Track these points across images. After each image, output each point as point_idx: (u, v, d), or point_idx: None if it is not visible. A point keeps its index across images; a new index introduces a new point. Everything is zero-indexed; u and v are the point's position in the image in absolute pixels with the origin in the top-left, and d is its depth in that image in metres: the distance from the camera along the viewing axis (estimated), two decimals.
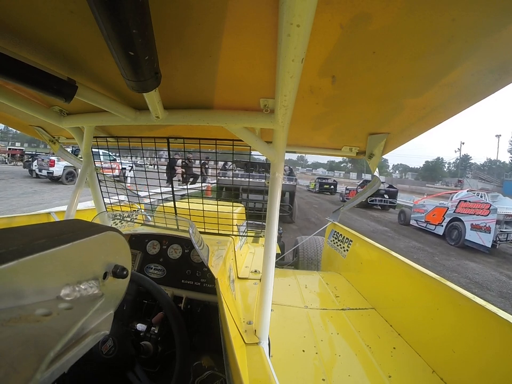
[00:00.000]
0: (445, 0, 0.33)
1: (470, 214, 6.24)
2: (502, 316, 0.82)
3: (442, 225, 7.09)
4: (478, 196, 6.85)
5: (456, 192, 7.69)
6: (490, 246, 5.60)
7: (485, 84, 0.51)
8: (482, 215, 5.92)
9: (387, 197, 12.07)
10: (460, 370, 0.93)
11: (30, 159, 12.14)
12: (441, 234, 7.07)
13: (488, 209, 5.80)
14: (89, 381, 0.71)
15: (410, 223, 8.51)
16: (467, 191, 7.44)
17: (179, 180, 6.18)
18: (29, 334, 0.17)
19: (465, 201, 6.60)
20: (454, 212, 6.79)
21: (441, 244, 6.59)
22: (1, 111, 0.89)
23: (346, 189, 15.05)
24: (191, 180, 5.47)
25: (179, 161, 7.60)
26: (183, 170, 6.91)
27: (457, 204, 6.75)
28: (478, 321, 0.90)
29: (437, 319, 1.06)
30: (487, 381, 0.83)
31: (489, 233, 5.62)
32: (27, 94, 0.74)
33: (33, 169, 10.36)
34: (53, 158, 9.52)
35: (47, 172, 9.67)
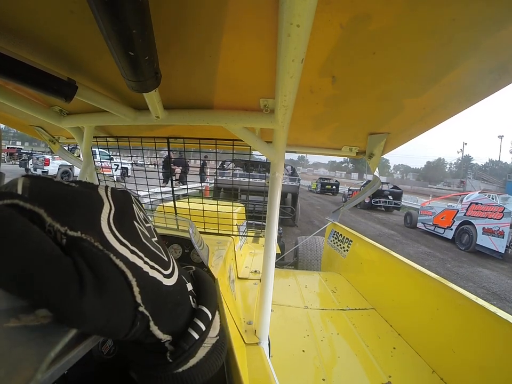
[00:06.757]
0: (445, 0, 0.33)
1: (482, 217, 5.90)
2: (501, 315, 0.82)
3: (451, 229, 6.75)
4: (490, 198, 6.42)
5: (467, 194, 7.26)
6: (503, 252, 5.33)
7: (485, 84, 0.51)
8: (495, 219, 5.59)
9: (391, 198, 11.89)
10: (460, 370, 0.93)
11: (26, 158, 12.08)
12: (451, 238, 6.72)
13: (502, 212, 5.48)
14: (90, 381, 0.71)
15: (417, 225, 8.20)
16: (479, 192, 7.10)
17: (176, 180, 6.15)
18: (29, 334, 0.17)
19: (476, 203, 6.25)
20: (464, 214, 6.45)
21: (451, 248, 6.26)
22: (1, 111, 0.89)
23: (349, 190, 14.73)
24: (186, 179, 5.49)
25: (175, 161, 7.53)
26: (181, 169, 6.87)
27: (468, 207, 6.42)
28: (477, 321, 0.90)
29: (436, 319, 1.06)
30: (487, 380, 0.83)
31: (503, 238, 5.32)
32: (27, 94, 0.74)
33: (29, 168, 10.27)
34: (47, 156, 9.43)
35: (42, 171, 9.51)
